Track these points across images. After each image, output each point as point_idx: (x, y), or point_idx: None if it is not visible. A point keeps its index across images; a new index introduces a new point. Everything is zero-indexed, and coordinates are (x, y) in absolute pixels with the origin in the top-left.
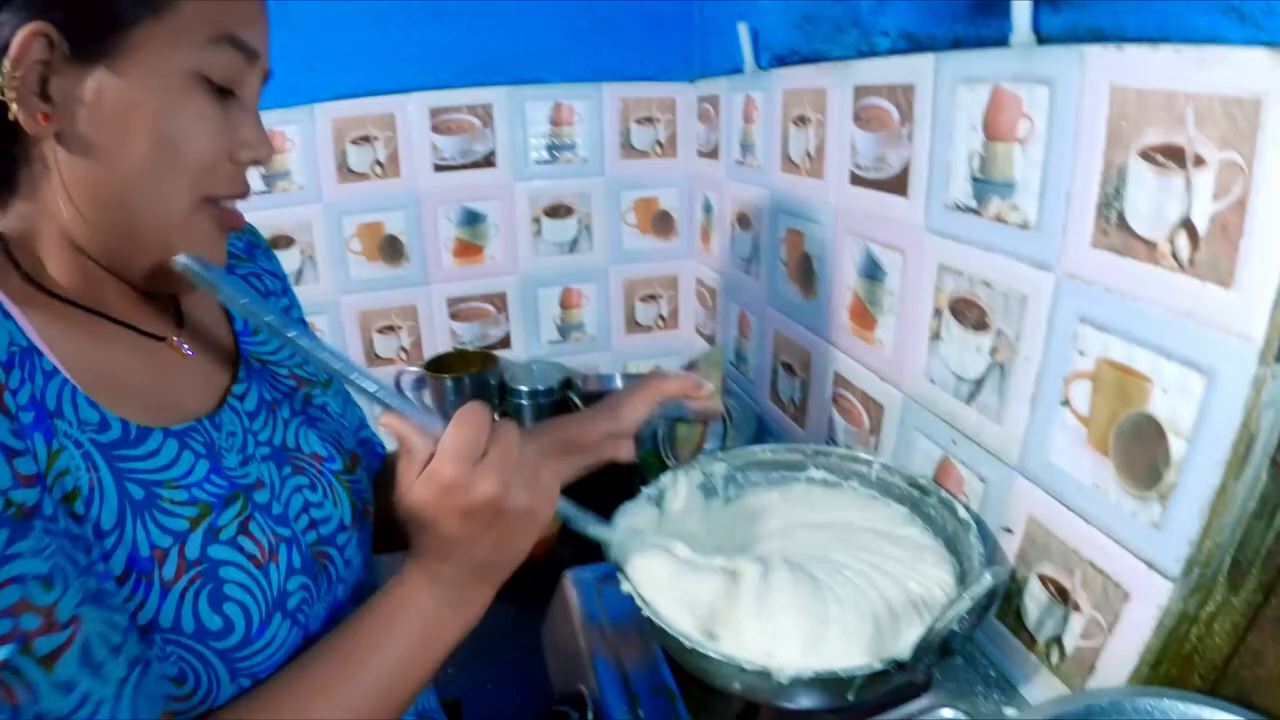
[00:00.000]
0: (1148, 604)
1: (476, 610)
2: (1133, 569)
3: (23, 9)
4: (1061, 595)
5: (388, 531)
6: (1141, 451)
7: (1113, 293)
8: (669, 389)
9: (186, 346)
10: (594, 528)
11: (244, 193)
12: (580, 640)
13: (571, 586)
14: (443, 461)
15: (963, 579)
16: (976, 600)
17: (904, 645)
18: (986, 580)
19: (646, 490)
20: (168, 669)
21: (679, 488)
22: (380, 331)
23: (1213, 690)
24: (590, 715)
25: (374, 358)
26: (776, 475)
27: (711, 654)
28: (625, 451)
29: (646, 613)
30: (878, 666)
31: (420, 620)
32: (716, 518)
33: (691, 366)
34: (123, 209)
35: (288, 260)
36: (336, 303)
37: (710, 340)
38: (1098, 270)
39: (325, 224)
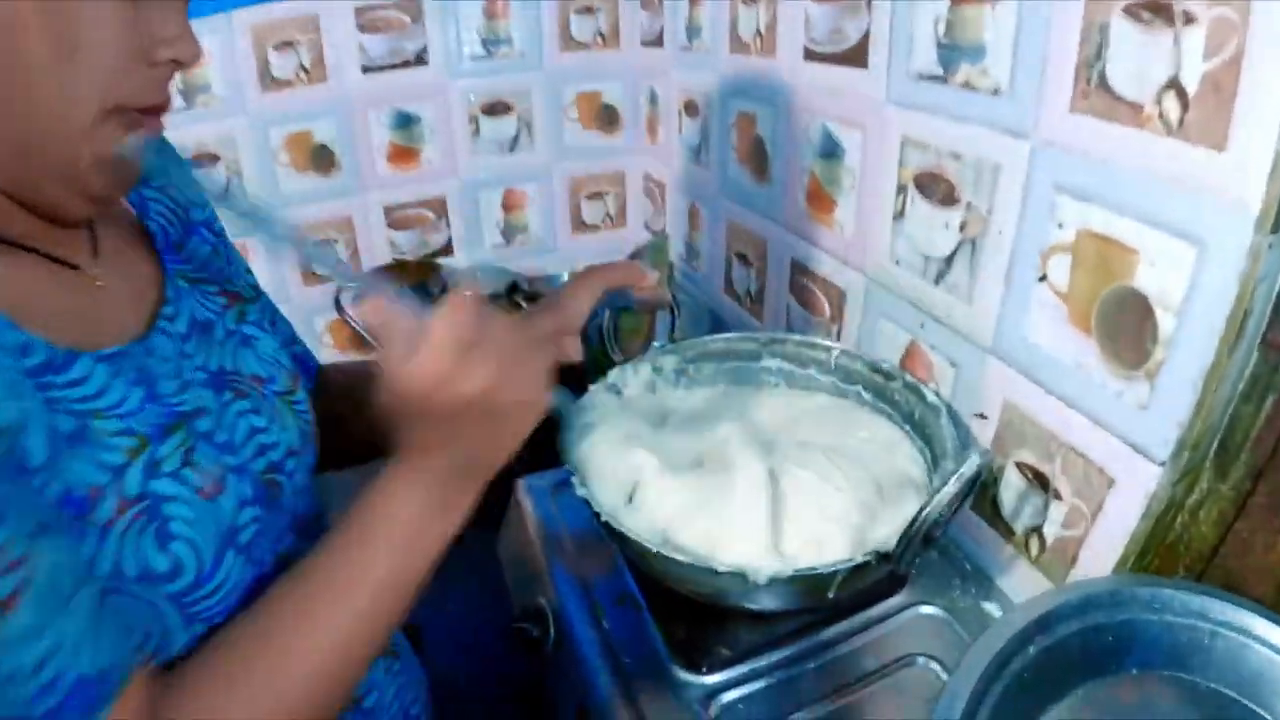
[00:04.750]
0: (1135, 490)
1: (460, 513)
2: (1118, 453)
3: None
4: (1041, 483)
5: (326, 451)
6: (1127, 328)
7: (1093, 159)
8: (611, 278)
9: (100, 281)
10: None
11: (163, 103)
12: (538, 551)
13: (525, 495)
14: (432, 352)
15: (935, 466)
16: (964, 484)
17: (884, 536)
18: (974, 460)
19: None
20: None
21: (628, 384)
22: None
23: (1199, 581)
24: (551, 630)
25: (309, 274)
26: (730, 366)
27: (681, 559)
28: (573, 350)
29: (605, 518)
30: (859, 560)
31: (404, 527)
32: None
33: (636, 256)
34: (14, 118)
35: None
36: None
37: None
38: (1077, 136)
39: (251, 137)
